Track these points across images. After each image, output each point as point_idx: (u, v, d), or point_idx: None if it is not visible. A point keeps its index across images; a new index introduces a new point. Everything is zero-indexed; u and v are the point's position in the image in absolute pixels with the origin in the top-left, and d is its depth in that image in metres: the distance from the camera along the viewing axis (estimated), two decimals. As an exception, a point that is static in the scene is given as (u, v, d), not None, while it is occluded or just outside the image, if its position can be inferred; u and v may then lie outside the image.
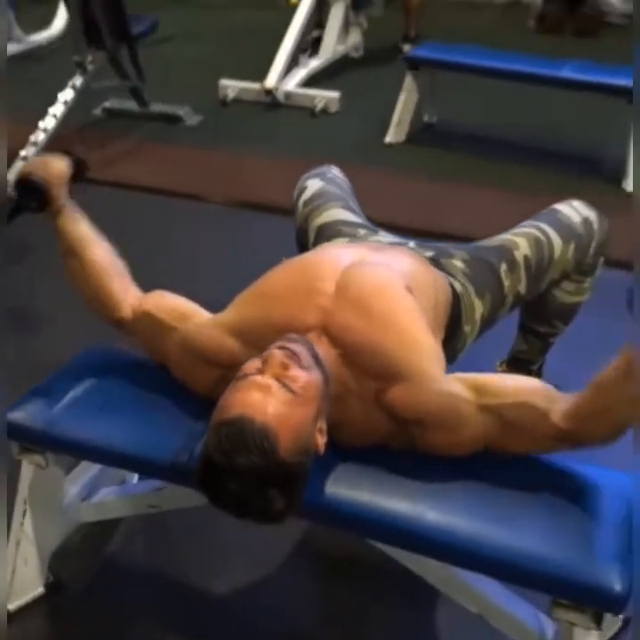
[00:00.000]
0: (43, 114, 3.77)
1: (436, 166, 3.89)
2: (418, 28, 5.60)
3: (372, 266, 1.57)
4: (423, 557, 1.42)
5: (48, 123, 3.74)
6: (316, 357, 1.37)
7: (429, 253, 1.78)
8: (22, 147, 3.66)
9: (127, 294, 1.65)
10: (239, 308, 1.56)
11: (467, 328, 1.73)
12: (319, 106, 4.51)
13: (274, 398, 1.28)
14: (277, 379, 1.30)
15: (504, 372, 2.22)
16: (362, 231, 1.89)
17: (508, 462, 1.43)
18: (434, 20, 5.84)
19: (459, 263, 1.77)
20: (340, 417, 1.43)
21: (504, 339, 2.19)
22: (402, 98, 4.09)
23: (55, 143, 3.72)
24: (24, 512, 1.68)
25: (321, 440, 1.35)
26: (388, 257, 1.63)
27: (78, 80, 3.89)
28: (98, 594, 1.81)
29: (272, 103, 4.60)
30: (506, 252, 1.82)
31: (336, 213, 1.96)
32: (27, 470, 1.66)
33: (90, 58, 3.87)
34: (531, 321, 2.11)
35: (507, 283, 1.79)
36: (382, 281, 1.53)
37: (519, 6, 6.67)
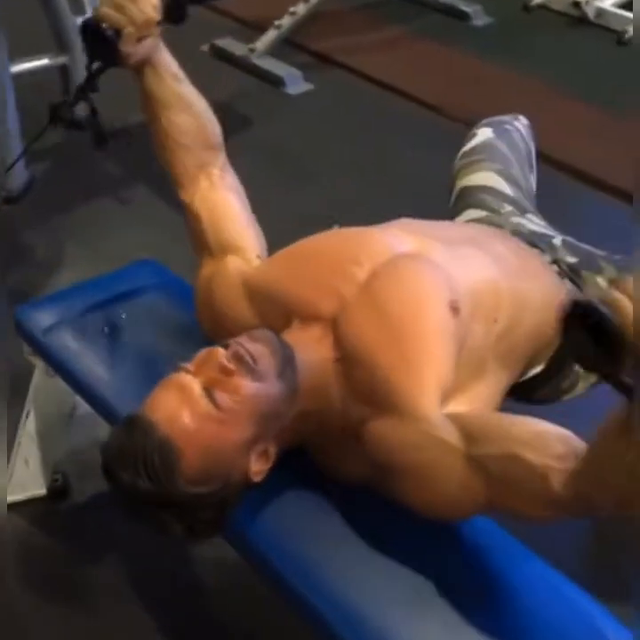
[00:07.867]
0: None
1: None
2: None
3: (420, 263, 1.21)
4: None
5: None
6: (286, 363, 1.09)
7: (573, 259, 1.44)
8: (281, 16, 3.48)
9: (199, 173, 1.37)
10: (268, 268, 1.29)
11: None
12: (630, 32, 3.82)
13: (190, 409, 1.03)
14: (208, 385, 1.04)
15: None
16: (507, 207, 1.54)
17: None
18: None
19: (603, 282, 1.42)
20: (316, 439, 1.17)
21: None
22: None
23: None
24: (28, 413, 1.59)
25: (259, 466, 1.09)
26: (459, 259, 1.24)
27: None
28: (100, 509, 1.69)
29: (579, 18, 3.98)
30: None
31: (486, 177, 1.60)
32: (36, 372, 1.56)
33: None
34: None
35: None
36: (418, 286, 1.17)
37: None
